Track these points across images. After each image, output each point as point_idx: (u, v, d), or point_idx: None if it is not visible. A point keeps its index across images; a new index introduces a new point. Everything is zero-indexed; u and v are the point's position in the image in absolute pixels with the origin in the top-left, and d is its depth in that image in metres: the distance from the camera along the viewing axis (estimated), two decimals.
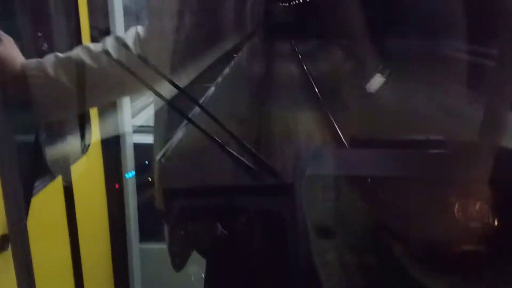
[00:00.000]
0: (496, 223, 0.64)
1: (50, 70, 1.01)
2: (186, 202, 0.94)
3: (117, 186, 1.86)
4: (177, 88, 0.91)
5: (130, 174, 1.89)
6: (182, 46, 1.00)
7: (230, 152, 0.87)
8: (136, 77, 0.89)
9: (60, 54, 1.06)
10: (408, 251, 0.68)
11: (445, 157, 0.71)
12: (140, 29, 1.10)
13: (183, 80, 0.96)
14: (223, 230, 0.93)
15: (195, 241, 0.95)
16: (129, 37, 1.09)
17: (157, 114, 1.01)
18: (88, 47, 1.07)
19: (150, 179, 1.07)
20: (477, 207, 0.65)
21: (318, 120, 1.01)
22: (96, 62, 1.04)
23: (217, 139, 0.86)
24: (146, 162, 1.84)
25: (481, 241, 0.64)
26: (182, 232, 0.94)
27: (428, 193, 0.67)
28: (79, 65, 1.03)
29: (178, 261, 0.97)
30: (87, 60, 1.04)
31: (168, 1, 1.03)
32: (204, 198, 0.95)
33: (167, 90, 0.89)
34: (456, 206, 0.65)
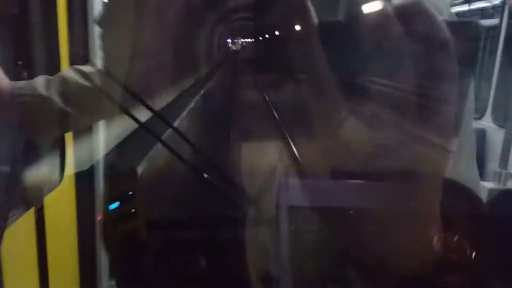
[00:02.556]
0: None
1: (41, 89, 1.00)
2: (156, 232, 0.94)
3: (100, 217, 1.79)
4: (153, 112, 0.92)
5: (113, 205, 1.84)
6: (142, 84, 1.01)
7: (205, 179, 0.88)
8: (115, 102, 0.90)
9: (49, 76, 1.04)
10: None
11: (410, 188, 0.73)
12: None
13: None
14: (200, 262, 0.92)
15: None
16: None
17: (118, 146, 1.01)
18: (78, 68, 1.07)
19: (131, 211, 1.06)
20: (450, 239, 0.67)
21: (281, 149, 1.03)
22: (88, 81, 1.03)
23: (189, 163, 0.86)
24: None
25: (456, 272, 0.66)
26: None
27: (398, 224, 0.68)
28: (72, 84, 1.02)
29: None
30: (79, 79, 1.03)
31: (121, 48, 1.01)
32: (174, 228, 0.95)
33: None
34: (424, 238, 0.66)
